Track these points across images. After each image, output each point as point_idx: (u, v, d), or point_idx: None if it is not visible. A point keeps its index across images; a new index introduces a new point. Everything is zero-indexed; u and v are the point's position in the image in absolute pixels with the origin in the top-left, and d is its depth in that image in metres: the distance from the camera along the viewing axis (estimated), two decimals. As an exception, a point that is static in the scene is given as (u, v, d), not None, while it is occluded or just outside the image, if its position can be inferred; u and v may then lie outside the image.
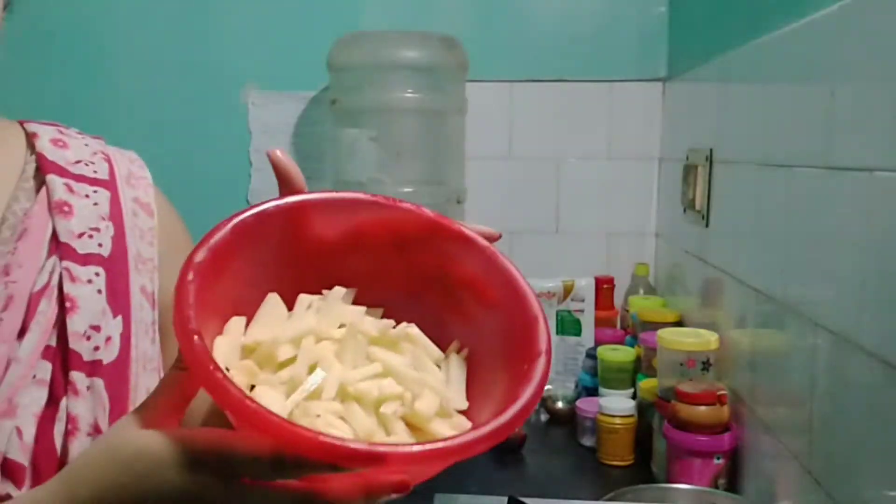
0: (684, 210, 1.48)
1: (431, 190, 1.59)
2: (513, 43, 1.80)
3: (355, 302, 0.51)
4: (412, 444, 0.41)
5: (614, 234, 1.83)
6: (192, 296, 0.43)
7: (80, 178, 0.65)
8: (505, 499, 0.89)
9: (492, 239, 0.57)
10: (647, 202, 1.81)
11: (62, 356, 0.58)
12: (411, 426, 0.45)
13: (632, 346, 1.49)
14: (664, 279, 1.75)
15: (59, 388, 0.57)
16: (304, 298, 0.50)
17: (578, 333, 1.64)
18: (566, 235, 1.83)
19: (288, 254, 0.51)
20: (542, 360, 0.47)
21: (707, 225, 1.34)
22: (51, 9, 1.77)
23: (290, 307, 0.50)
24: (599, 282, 1.69)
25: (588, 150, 1.82)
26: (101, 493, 0.44)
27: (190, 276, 0.44)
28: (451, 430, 0.45)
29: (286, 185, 0.54)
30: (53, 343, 0.58)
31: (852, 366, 0.78)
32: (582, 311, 1.65)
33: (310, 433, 0.39)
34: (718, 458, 1.10)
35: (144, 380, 0.62)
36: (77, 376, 0.58)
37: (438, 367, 0.50)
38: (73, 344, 0.58)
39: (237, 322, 0.48)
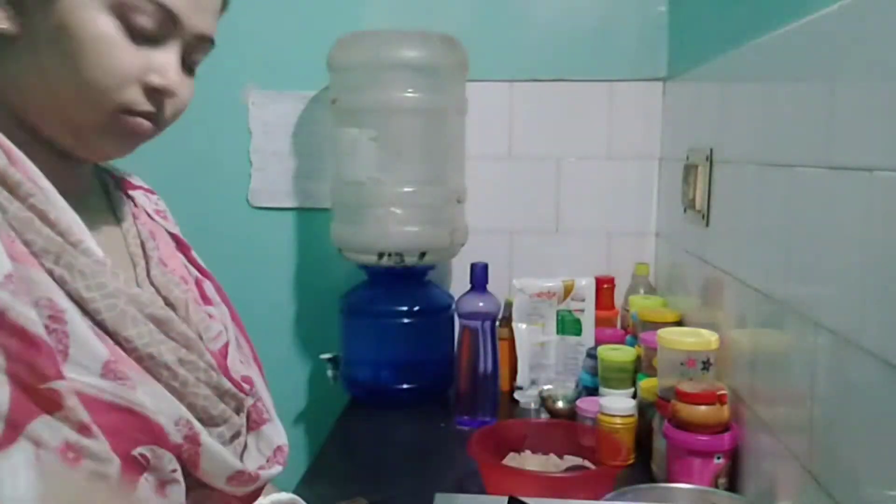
0: (684, 210, 1.48)
1: (431, 189, 1.59)
2: (513, 43, 1.80)
3: None
4: None
5: (615, 234, 1.83)
6: None
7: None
8: (505, 499, 0.89)
9: None
10: (648, 202, 1.81)
11: None
12: None
13: (632, 345, 1.49)
14: (664, 279, 1.75)
15: None
16: None
17: (579, 333, 1.64)
18: (566, 235, 1.83)
19: None
20: None
21: (707, 224, 1.34)
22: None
23: None
24: (600, 281, 1.70)
25: (588, 150, 1.82)
26: None
27: None
28: None
29: None
30: None
31: (853, 365, 0.78)
32: (582, 310, 1.65)
33: None
34: (719, 458, 1.10)
35: None
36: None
37: None
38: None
39: None
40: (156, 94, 0.68)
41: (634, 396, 1.39)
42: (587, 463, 1.21)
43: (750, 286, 1.11)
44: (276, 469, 0.78)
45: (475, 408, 1.50)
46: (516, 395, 1.62)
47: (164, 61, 0.68)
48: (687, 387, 1.13)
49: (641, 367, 1.40)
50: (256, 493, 0.77)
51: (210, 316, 0.76)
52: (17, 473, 0.53)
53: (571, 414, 1.43)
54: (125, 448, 0.60)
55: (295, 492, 1.23)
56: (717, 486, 1.10)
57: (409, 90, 1.56)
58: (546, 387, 1.55)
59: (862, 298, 0.76)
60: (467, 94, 1.69)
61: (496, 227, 1.84)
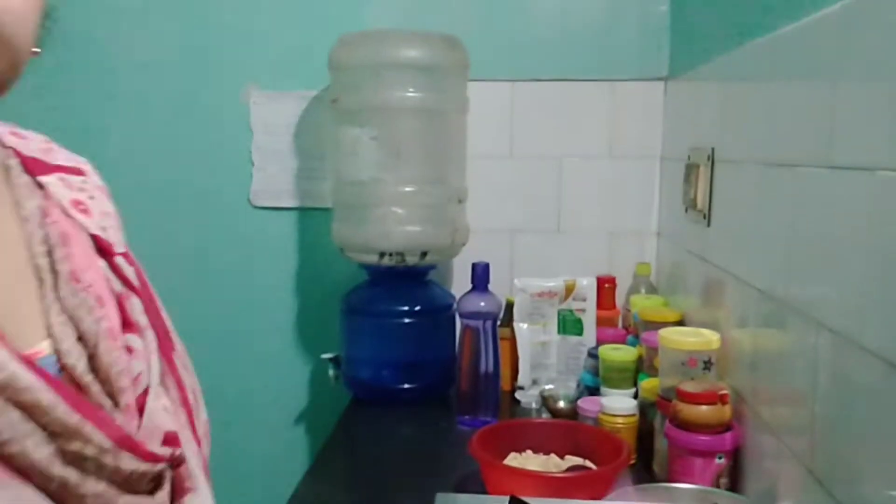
0: (686, 209, 1.48)
1: (433, 189, 1.59)
2: (514, 42, 1.80)
3: None
4: None
5: (616, 234, 1.83)
6: None
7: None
8: (506, 499, 0.90)
9: None
10: (649, 201, 1.81)
11: None
12: None
13: (633, 345, 1.49)
14: (666, 278, 1.75)
15: None
16: None
17: (580, 333, 1.64)
18: (568, 235, 1.83)
19: None
20: None
21: (709, 224, 1.34)
22: (53, 9, 1.77)
23: None
24: (601, 281, 1.70)
25: (589, 150, 1.82)
26: None
27: None
28: None
29: None
30: None
31: (854, 365, 0.77)
32: (583, 310, 1.65)
33: None
34: (720, 458, 1.10)
35: None
36: None
37: None
38: None
39: None
40: None
41: (636, 396, 1.39)
42: (588, 463, 1.21)
43: (751, 286, 1.11)
44: None
45: (476, 407, 1.50)
46: (517, 394, 1.62)
47: None
48: (688, 387, 1.13)
49: (643, 367, 1.40)
50: None
51: (129, 350, 0.58)
52: None
53: (573, 414, 1.43)
54: None
55: (296, 491, 1.23)
56: (718, 486, 1.10)
57: (411, 90, 1.56)
58: (547, 386, 1.55)
59: (863, 298, 0.76)
60: (469, 93, 1.69)
61: (497, 226, 1.84)
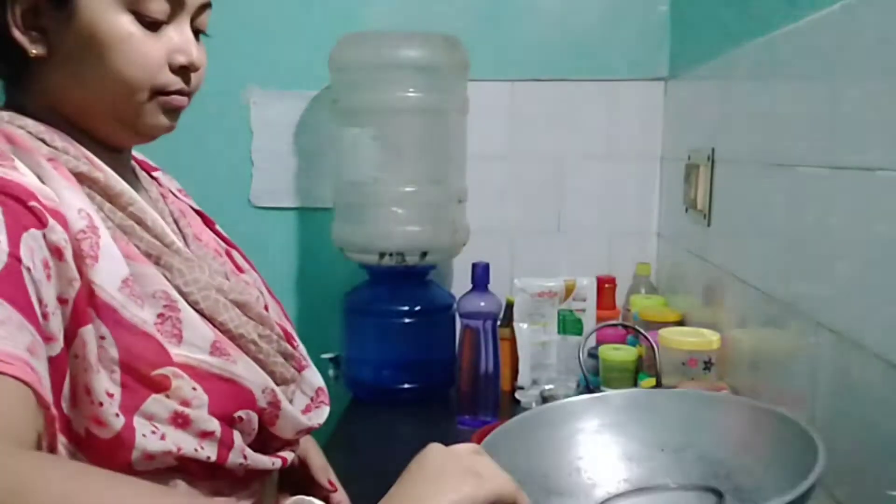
0: (686, 209, 1.48)
1: (433, 189, 1.59)
2: (514, 42, 1.80)
3: None
4: None
5: (616, 234, 1.83)
6: None
7: None
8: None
9: None
10: (649, 202, 1.81)
11: None
12: None
13: (633, 345, 1.49)
14: (666, 279, 1.75)
15: None
16: None
17: (580, 333, 1.64)
18: (568, 235, 1.83)
19: None
20: None
21: (709, 224, 1.34)
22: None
23: None
24: (601, 281, 1.69)
25: (589, 150, 1.81)
26: None
27: None
28: None
29: None
30: None
31: (854, 365, 0.78)
32: (584, 310, 1.64)
33: None
34: (720, 458, 1.10)
35: None
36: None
37: None
38: None
39: None
40: (182, 70, 0.75)
41: (636, 396, 1.39)
42: None
43: (751, 286, 1.11)
44: (325, 410, 0.88)
45: (476, 407, 1.50)
46: (517, 394, 1.62)
47: (182, 39, 0.74)
48: (688, 386, 1.13)
49: (643, 367, 1.40)
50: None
51: (246, 283, 0.85)
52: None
53: (573, 414, 1.42)
54: (229, 410, 0.71)
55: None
56: (718, 486, 1.10)
57: (411, 90, 1.56)
58: (547, 386, 1.54)
59: (863, 298, 0.76)
60: (468, 93, 1.69)
61: (497, 226, 1.83)
